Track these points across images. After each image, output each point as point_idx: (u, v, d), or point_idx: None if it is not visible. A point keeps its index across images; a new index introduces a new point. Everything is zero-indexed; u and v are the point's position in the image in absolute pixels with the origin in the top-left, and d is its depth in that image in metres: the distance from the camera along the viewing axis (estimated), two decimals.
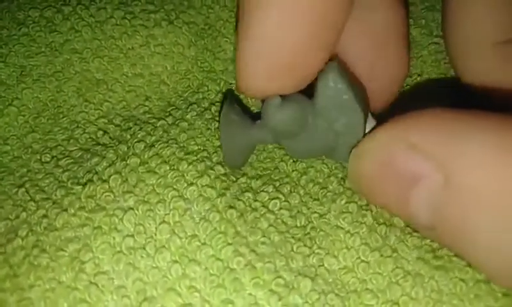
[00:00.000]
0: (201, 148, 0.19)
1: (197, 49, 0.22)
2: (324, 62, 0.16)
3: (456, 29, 0.19)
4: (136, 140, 0.19)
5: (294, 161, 0.19)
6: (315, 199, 0.18)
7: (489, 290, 0.16)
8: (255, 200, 0.18)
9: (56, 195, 0.18)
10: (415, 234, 0.17)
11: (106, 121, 0.21)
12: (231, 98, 0.19)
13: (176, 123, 0.20)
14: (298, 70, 0.16)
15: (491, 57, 0.18)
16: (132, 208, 0.17)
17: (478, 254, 0.14)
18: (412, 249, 0.17)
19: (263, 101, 0.18)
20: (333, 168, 0.19)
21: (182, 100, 0.21)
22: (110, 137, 0.20)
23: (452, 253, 0.17)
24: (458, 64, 0.19)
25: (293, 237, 0.17)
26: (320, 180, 0.19)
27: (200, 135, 0.19)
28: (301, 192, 0.19)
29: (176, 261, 0.16)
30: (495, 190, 0.12)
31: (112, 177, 0.18)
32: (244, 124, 0.18)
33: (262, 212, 0.18)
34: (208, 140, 0.19)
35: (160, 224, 0.17)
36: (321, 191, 0.18)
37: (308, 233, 0.17)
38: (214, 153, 0.19)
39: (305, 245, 0.17)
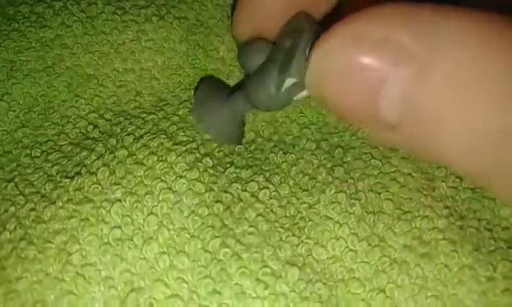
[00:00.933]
0: (190, 139, 0.19)
1: (188, 45, 0.22)
2: None
3: None
4: (125, 133, 0.19)
5: (284, 153, 0.19)
6: (304, 190, 0.18)
7: (473, 275, 0.16)
8: (244, 190, 0.18)
9: (44, 188, 0.18)
10: (403, 219, 0.17)
11: (97, 115, 0.21)
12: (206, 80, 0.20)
13: (168, 117, 0.20)
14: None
15: None
16: (119, 200, 0.17)
17: (447, 150, 0.13)
18: (399, 236, 0.17)
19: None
20: (322, 159, 0.19)
21: (173, 96, 0.21)
22: (100, 131, 0.20)
23: (437, 238, 0.17)
24: None
25: (282, 227, 0.17)
26: (310, 171, 0.19)
27: (190, 128, 0.19)
28: (291, 183, 0.18)
29: (164, 253, 0.16)
30: (468, 75, 0.12)
31: (100, 170, 0.18)
32: (221, 96, 0.18)
33: (251, 202, 0.18)
34: (197, 133, 0.19)
35: (148, 215, 0.17)
36: (310, 182, 0.18)
37: (297, 223, 0.17)
38: (201, 144, 0.19)
39: (294, 235, 0.17)
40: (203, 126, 0.18)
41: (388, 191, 0.18)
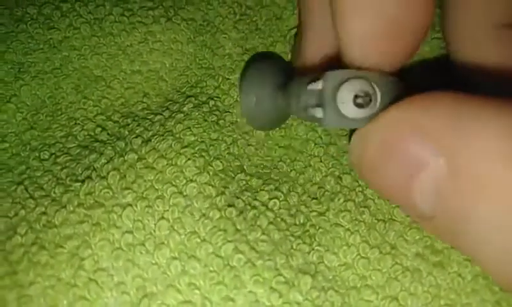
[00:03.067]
0: (198, 140, 0.19)
1: (196, 46, 0.22)
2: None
3: (453, 12, 0.18)
4: (133, 136, 0.19)
5: (291, 160, 0.19)
6: (313, 198, 0.18)
7: (487, 284, 0.16)
8: (255, 199, 0.18)
9: (54, 192, 0.18)
10: (414, 227, 0.17)
11: (104, 117, 0.20)
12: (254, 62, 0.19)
13: (173, 115, 0.20)
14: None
15: (487, 41, 0.17)
16: (130, 205, 0.17)
17: (479, 248, 0.13)
18: (411, 244, 0.17)
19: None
20: (330, 166, 0.19)
21: (179, 95, 0.21)
22: (108, 134, 0.20)
23: (450, 247, 0.16)
24: (453, 45, 0.19)
25: (292, 235, 0.17)
26: (318, 179, 0.19)
27: (196, 125, 0.19)
28: (300, 191, 0.18)
29: (175, 258, 0.16)
30: (501, 181, 0.12)
31: (110, 174, 0.18)
32: (271, 85, 0.18)
33: (262, 210, 0.18)
34: (205, 131, 0.19)
35: (159, 220, 0.17)
36: (319, 190, 0.18)
37: (308, 231, 0.17)
38: (211, 146, 0.19)
39: (305, 243, 0.17)
40: (249, 115, 0.18)
41: None
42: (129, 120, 0.20)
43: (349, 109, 0.14)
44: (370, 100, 0.14)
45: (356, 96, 0.14)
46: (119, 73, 0.21)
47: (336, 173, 0.18)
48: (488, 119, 0.12)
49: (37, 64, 0.21)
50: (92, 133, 0.20)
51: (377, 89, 0.14)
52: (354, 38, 0.15)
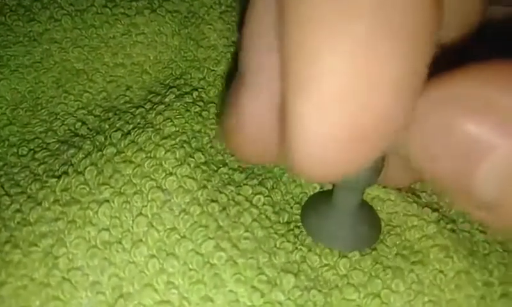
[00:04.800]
0: (180, 131, 0.18)
1: (181, 38, 0.21)
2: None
3: None
4: (113, 129, 0.18)
5: None
6: (296, 202, 0.17)
7: (470, 280, 0.15)
8: (238, 194, 0.17)
9: (30, 189, 0.17)
10: (393, 233, 0.16)
11: (86, 112, 0.19)
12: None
13: (154, 107, 0.18)
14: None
15: None
16: (107, 201, 0.16)
17: None
18: (391, 247, 0.16)
19: None
20: None
21: (162, 87, 0.20)
22: (88, 128, 0.19)
23: (429, 247, 0.16)
24: None
25: (276, 233, 0.16)
26: (302, 181, 0.18)
27: (178, 116, 0.18)
28: (283, 189, 0.18)
29: (153, 256, 0.15)
30: None
31: (87, 169, 0.17)
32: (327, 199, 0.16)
33: (245, 206, 0.16)
34: (187, 122, 0.18)
35: (137, 216, 0.16)
36: (302, 195, 0.17)
37: (292, 230, 0.16)
38: (193, 138, 0.18)
39: (288, 241, 0.16)
40: (315, 236, 0.16)
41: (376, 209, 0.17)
42: (110, 114, 0.19)
43: None
44: None
45: None
46: (101, 67, 0.20)
47: None
48: None
49: (16, 58, 0.20)
50: (72, 128, 0.19)
51: None
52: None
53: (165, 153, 0.17)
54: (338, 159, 0.11)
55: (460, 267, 0.16)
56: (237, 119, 0.14)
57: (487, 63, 0.11)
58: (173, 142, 0.17)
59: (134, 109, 0.19)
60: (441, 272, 0.16)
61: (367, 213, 0.17)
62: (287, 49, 0.11)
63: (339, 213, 0.16)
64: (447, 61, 0.15)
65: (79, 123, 0.19)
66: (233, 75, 0.15)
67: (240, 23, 0.19)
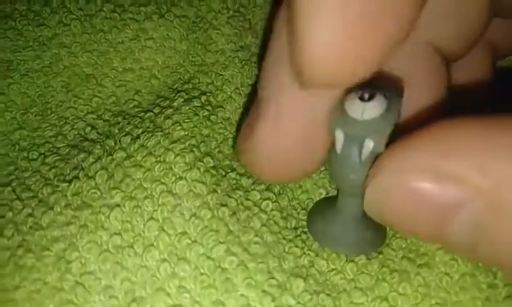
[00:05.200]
0: (189, 135, 0.18)
1: (189, 43, 0.21)
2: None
3: None
4: (123, 134, 0.18)
5: None
6: (303, 208, 0.18)
7: (475, 282, 0.16)
8: (247, 199, 0.17)
9: (42, 193, 0.17)
10: (398, 236, 0.17)
11: (95, 116, 0.20)
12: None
13: (163, 111, 0.19)
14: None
15: None
16: (118, 205, 0.16)
17: None
18: (397, 251, 0.16)
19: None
20: (321, 173, 0.18)
21: (170, 91, 0.20)
22: (98, 133, 0.19)
23: (434, 249, 0.16)
24: None
25: (285, 238, 0.16)
26: (308, 186, 0.18)
27: (186, 120, 0.18)
28: (290, 195, 0.18)
29: (165, 260, 0.15)
30: None
31: (98, 173, 0.17)
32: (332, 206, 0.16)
33: (255, 211, 0.17)
34: (195, 126, 0.18)
35: (148, 220, 0.16)
36: (308, 201, 0.18)
37: (299, 235, 0.17)
38: (201, 142, 0.18)
39: (297, 247, 0.16)
40: (321, 241, 0.16)
41: None
42: (120, 118, 0.19)
43: (356, 108, 0.13)
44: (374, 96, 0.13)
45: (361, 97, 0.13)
46: (110, 71, 0.21)
47: (327, 186, 0.18)
48: None
49: (26, 62, 0.20)
50: (82, 133, 0.19)
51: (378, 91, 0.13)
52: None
53: (175, 157, 0.17)
54: (343, 54, 0.11)
55: (465, 270, 0.16)
56: (252, 140, 0.15)
57: (434, 128, 0.12)
58: (183, 146, 0.17)
59: (143, 114, 0.19)
60: (446, 274, 0.16)
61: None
62: None
63: (344, 219, 0.16)
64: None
65: (89, 128, 0.19)
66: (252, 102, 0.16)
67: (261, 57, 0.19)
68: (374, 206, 0.13)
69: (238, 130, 0.19)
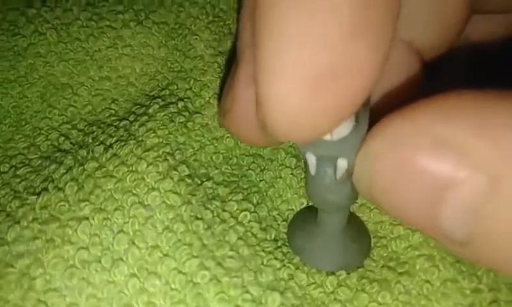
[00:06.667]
0: (163, 142, 0.17)
1: (167, 50, 0.20)
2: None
3: None
4: (96, 143, 0.17)
5: (261, 170, 0.17)
6: (283, 220, 0.16)
7: (457, 288, 0.15)
8: (223, 210, 0.16)
9: (10, 207, 0.16)
10: (379, 245, 0.15)
11: (70, 126, 0.19)
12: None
13: (138, 118, 0.18)
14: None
15: None
16: (87, 218, 0.15)
17: None
18: (377, 261, 0.15)
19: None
20: (300, 180, 0.17)
21: (147, 98, 0.19)
22: (71, 143, 0.18)
23: (415, 257, 0.15)
24: None
25: (263, 250, 0.15)
26: (289, 195, 0.17)
27: (161, 127, 0.17)
28: (269, 205, 0.17)
29: (134, 275, 0.14)
30: None
31: (68, 185, 0.16)
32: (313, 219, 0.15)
33: (231, 224, 0.16)
34: (171, 133, 0.17)
35: (117, 233, 0.15)
36: (288, 212, 0.17)
37: (280, 247, 0.15)
38: (177, 149, 0.17)
39: (276, 259, 0.15)
40: (302, 257, 0.15)
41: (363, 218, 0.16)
42: (95, 128, 0.18)
43: None
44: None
45: None
46: (86, 80, 0.20)
47: None
48: None
49: (1, 73, 0.19)
50: (56, 143, 0.18)
51: None
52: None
53: (147, 166, 0.16)
54: (307, 108, 0.10)
55: (446, 276, 0.15)
56: (232, 102, 0.15)
57: (437, 97, 0.10)
58: (156, 154, 0.16)
59: (118, 122, 0.18)
60: (427, 281, 0.15)
61: (356, 230, 0.16)
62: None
63: (325, 235, 0.15)
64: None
65: (62, 138, 0.18)
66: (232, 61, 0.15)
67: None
68: (363, 178, 0.12)
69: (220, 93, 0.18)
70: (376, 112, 0.12)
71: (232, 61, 0.19)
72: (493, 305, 0.14)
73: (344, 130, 0.12)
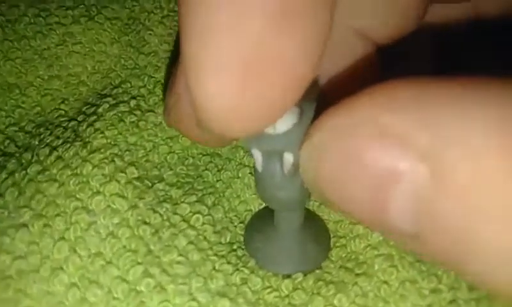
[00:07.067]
0: (111, 143, 0.16)
1: (121, 46, 0.19)
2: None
3: None
4: (42, 146, 0.16)
5: (218, 170, 0.17)
6: (240, 221, 0.16)
7: (416, 289, 0.14)
8: (174, 213, 0.15)
9: None
10: (338, 244, 0.15)
11: (16, 128, 0.18)
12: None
13: (86, 119, 0.17)
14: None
15: None
16: (26, 225, 0.14)
17: (481, 265, 0.10)
18: (336, 262, 0.15)
19: None
20: None
21: (99, 97, 0.18)
22: (17, 146, 0.17)
23: (373, 257, 0.15)
24: None
25: (216, 255, 0.14)
26: (247, 196, 0.16)
27: (110, 127, 0.16)
28: (226, 206, 0.16)
29: (74, 284, 0.13)
30: (500, 183, 0.09)
31: (8, 190, 0.15)
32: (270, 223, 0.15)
33: (181, 228, 0.15)
34: (120, 134, 0.16)
35: (58, 240, 0.14)
36: (245, 213, 0.16)
37: (235, 251, 0.15)
38: (126, 150, 0.16)
39: (229, 263, 0.14)
40: (258, 260, 0.15)
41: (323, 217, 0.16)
42: (42, 129, 0.17)
43: None
44: None
45: None
46: (35, 80, 0.19)
47: None
48: (478, 108, 0.09)
49: None
50: (1, 147, 0.17)
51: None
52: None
53: (92, 168, 0.15)
54: (238, 100, 0.10)
55: (405, 276, 0.14)
56: (174, 99, 0.14)
57: (381, 85, 0.10)
58: (102, 156, 0.15)
59: (67, 123, 0.17)
60: (385, 282, 0.14)
61: (314, 229, 0.15)
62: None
63: (283, 236, 0.14)
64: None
65: (8, 141, 0.17)
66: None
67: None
68: (309, 171, 0.11)
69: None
70: (326, 103, 0.11)
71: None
72: (452, 305, 0.14)
73: (287, 122, 0.11)
